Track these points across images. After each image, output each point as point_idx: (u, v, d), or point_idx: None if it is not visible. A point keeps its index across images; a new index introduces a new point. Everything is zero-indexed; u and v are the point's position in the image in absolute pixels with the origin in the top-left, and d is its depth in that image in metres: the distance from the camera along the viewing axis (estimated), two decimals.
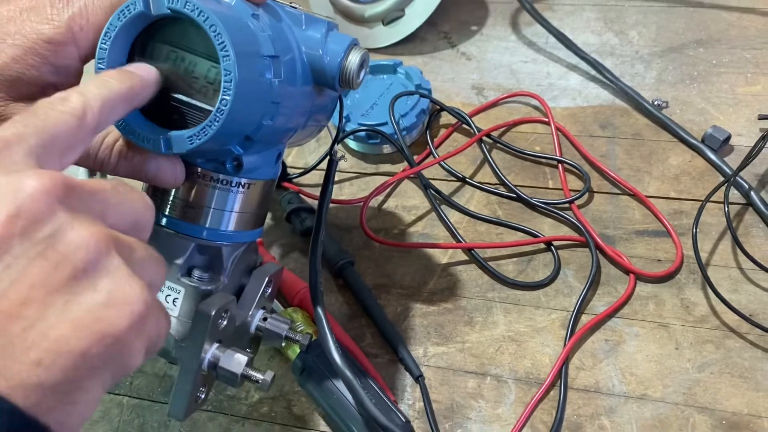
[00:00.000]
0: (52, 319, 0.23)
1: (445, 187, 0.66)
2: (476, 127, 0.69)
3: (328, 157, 0.49)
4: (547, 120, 0.70)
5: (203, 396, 0.42)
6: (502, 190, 0.65)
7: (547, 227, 0.62)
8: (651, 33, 0.79)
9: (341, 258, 0.59)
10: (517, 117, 0.71)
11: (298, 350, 0.51)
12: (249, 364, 0.41)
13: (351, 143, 0.70)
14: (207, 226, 0.41)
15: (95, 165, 0.36)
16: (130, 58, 0.36)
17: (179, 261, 0.41)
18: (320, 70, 0.41)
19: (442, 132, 0.71)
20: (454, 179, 0.67)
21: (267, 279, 0.45)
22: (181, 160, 0.38)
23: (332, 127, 0.70)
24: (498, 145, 0.69)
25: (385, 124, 0.67)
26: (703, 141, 0.65)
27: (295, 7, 0.42)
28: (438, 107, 0.71)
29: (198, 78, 0.36)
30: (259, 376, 0.41)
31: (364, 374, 0.50)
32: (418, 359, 0.54)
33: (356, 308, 0.57)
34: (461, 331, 0.55)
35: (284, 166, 0.67)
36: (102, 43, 0.35)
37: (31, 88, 0.36)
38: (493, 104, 0.73)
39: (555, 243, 0.60)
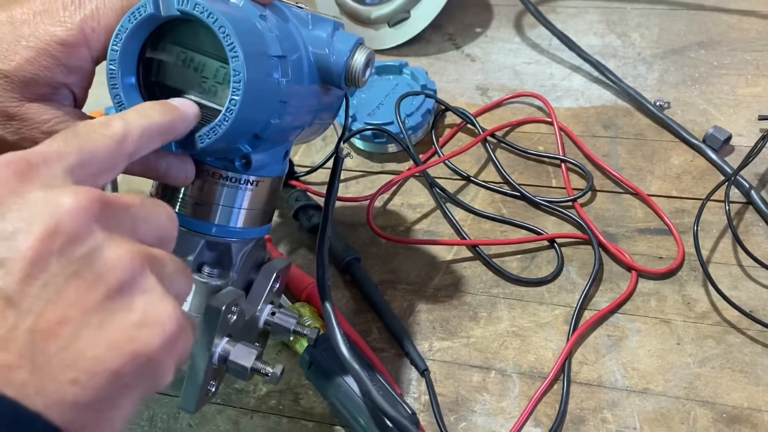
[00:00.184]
0: (87, 339, 0.23)
1: (450, 186, 0.66)
2: (481, 126, 0.69)
3: (335, 155, 0.50)
4: (550, 120, 0.70)
5: (214, 389, 0.42)
6: (506, 188, 0.66)
7: (551, 225, 0.62)
8: (653, 35, 0.79)
9: (348, 254, 0.59)
10: (520, 117, 0.72)
11: (306, 344, 0.52)
12: (258, 358, 0.41)
13: (357, 142, 0.71)
14: (216, 222, 0.41)
15: None
16: (141, 59, 0.37)
17: (189, 257, 0.42)
18: (326, 69, 0.42)
19: (447, 131, 0.72)
20: (459, 178, 0.67)
21: (275, 274, 0.46)
22: (191, 159, 0.39)
23: (338, 126, 0.71)
24: (502, 144, 0.70)
25: (391, 123, 0.67)
26: (704, 141, 0.66)
27: (301, 8, 0.43)
28: (443, 107, 0.72)
29: (207, 78, 0.37)
30: (268, 369, 0.41)
31: (371, 368, 0.50)
32: (424, 354, 0.54)
33: (362, 304, 0.58)
34: (466, 326, 0.56)
35: (291, 164, 0.68)
36: (113, 45, 0.36)
37: (44, 89, 0.37)
38: (498, 104, 0.74)
39: (558, 240, 0.60)
